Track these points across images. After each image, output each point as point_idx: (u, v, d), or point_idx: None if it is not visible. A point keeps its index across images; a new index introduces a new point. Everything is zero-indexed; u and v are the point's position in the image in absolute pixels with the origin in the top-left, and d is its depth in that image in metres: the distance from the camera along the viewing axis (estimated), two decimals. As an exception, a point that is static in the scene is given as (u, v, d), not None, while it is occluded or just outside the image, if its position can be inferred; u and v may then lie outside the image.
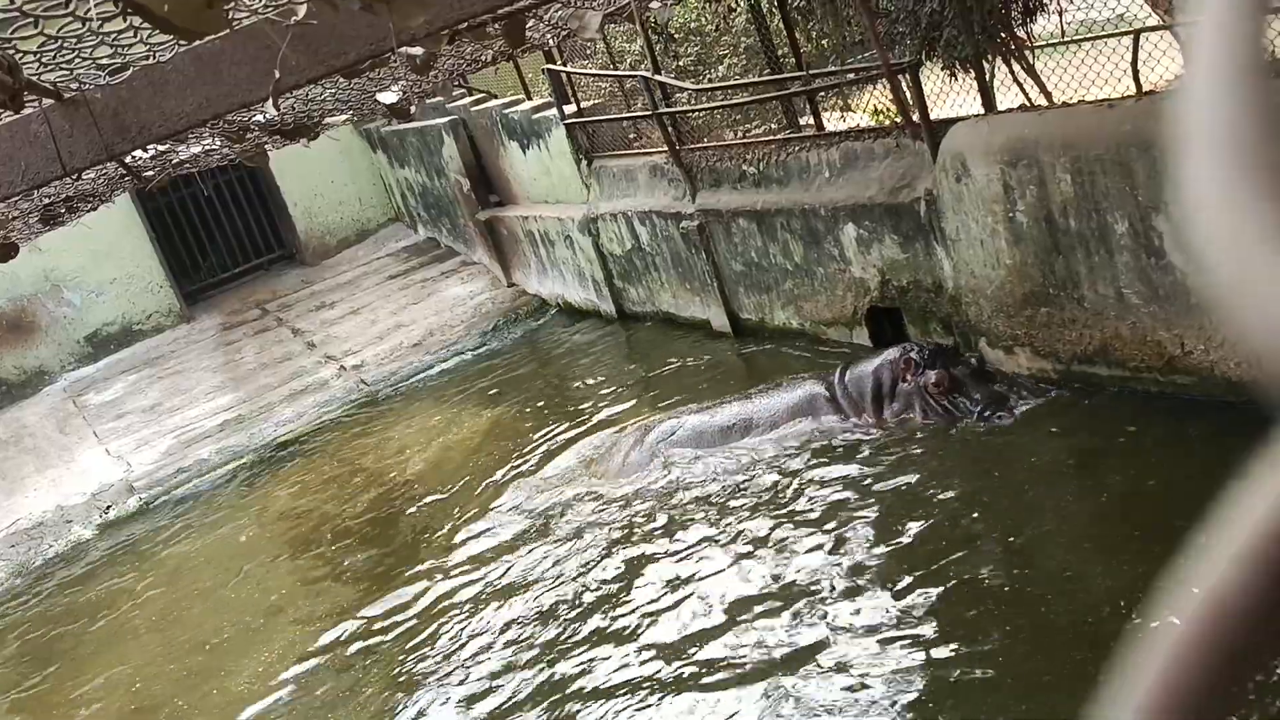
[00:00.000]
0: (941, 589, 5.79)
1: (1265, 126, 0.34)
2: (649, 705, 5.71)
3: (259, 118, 6.49)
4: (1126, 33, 8.91)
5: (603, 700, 5.90)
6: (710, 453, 8.14)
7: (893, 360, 7.69)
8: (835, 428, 7.81)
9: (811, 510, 7.03)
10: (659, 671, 5.96)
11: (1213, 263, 0.34)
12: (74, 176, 5.16)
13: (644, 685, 5.89)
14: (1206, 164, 0.34)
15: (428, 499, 9.65)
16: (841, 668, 5.42)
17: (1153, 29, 8.96)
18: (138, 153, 5.82)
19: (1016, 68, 9.14)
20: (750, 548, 6.85)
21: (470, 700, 6.37)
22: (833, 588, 6.12)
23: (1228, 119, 0.34)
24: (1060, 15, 10.35)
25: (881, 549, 6.35)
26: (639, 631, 6.40)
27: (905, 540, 6.37)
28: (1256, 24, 0.36)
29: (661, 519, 7.62)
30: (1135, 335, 6.72)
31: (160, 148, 6.42)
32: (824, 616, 5.89)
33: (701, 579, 6.72)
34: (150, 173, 7.59)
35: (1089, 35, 9.64)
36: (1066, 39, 10.35)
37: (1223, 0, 0.36)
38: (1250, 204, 0.33)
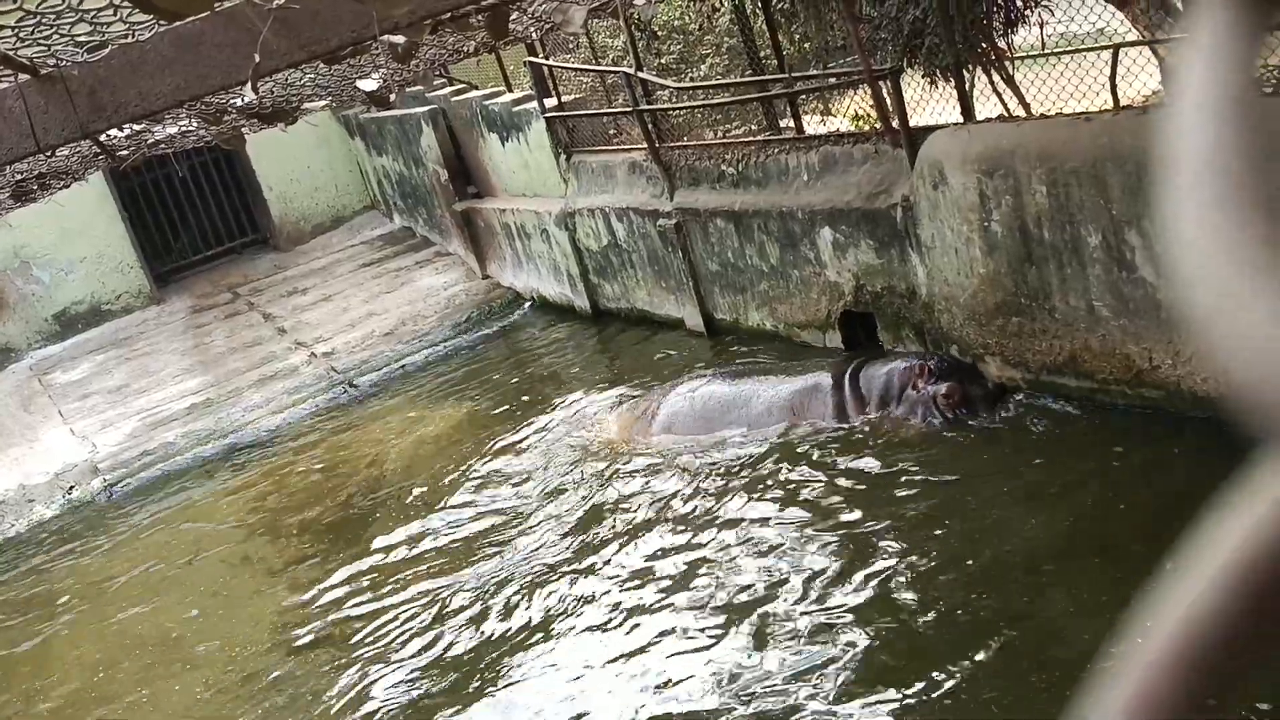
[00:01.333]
0: (900, 607, 5.81)
1: (1250, 155, 0.35)
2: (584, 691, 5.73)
3: (237, 101, 6.45)
4: (1105, 47, 8.98)
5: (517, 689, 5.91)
6: (707, 425, 8.36)
7: (907, 366, 7.67)
8: (827, 423, 7.87)
9: (770, 516, 7.06)
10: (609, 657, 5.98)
11: (1193, 290, 0.35)
12: (48, 153, 5.11)
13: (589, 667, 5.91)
14: (1191, 191, 0.35)
15: (395, 489, 9.62)
16: (788, 685, 5.38)
17: (1131, 44, 9.04)
18: (113, 131, 5.77)
19: (996, 78, 9.20)
20: (712, 552, 6.87)
21: (430, 683, 6.36)
22: (783, 602, 6.13)
23: (1213, 147, 0.35)
24: (1041, 28, 10.43)
25: (837, 561, 6.35)
26: (580, 619, 6.42)
27: (863, 550, 6.40)
28: (1247, 50, 0.36)
29: (636, 503, 7.65)
30: (1104, 348, 6.78)
31: (136, 127, 6.37)
32: (764, 628, 5.91)
33: (640, 586, 6.74)
34: (125, 152, 7.52)
35: (1068, 49, 9.71)
36: (1046, 51, 10.42)
37: (1214, 25, 0.37)
38: (1233, 233, 0.34)
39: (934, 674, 5.18)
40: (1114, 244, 6.42)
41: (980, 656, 5.21)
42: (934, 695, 5.07)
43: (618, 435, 8.94)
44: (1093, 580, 5.46)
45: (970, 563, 5.97)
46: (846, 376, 7.95)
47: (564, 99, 12.36)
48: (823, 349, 9.21)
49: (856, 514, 6.76)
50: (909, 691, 5.12)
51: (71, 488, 12.19)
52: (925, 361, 7.57)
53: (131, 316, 16.81)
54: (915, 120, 8.06)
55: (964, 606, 5.61)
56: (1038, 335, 7.19)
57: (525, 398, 10.94)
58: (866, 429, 7.66)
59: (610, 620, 6.46)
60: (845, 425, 7.77)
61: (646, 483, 8.04)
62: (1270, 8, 0.39)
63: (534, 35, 11.75)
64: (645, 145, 10.73)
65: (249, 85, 4.07)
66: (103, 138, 6.01)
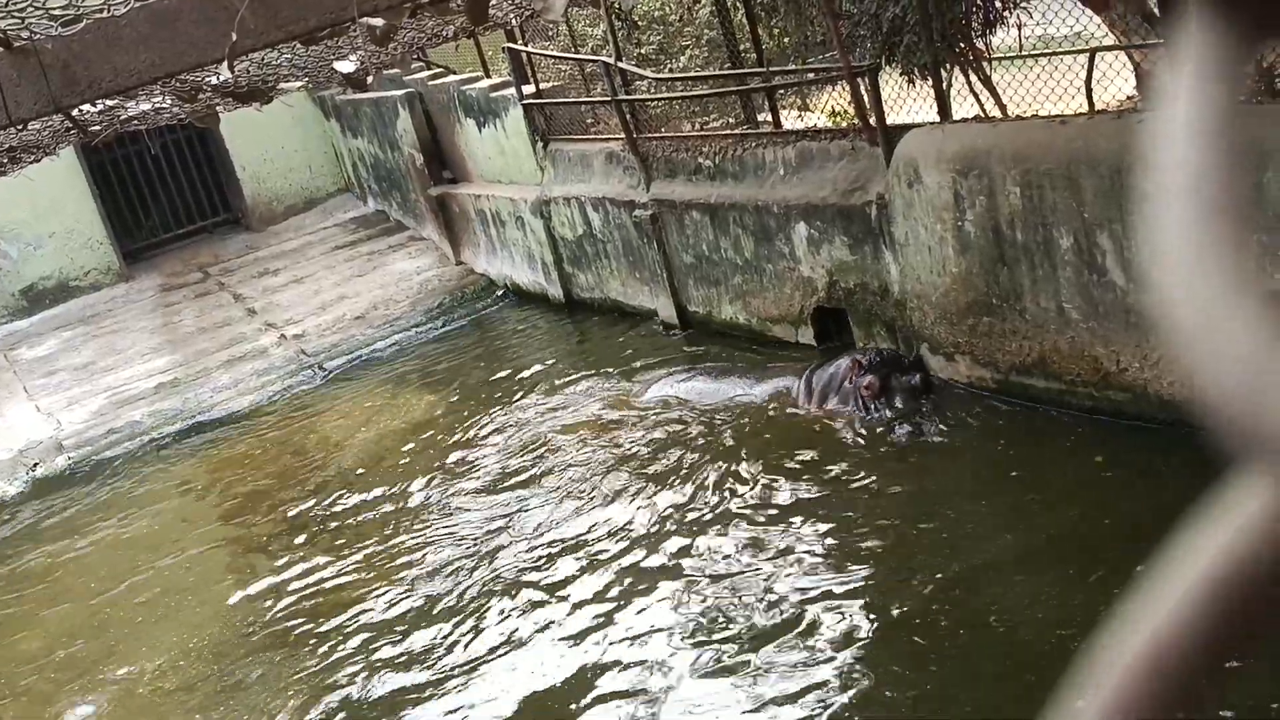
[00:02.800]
0: (862, 615, 5.83)
1: (1232, 176, 0.35)
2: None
3: (212, 79, 6.39)
4: (1082, 51, 9.03)
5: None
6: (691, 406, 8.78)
7: (852, 359, 8.04)
8: (779, 407, 8.28)
9: (747, 512, 7.09)
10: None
11: (1173, 308, 0.35)
12: (19, 127, 5.05)
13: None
14: (1173, 210, 0.35)
15: (363, 474, 9.58)
16: (752, 696, 5.36)
17: (1107, 49, 9.10)
18: (85, 106, 5.71)
19: (974, 78, 9.24)
20: (678, 553, 6.89)
21: (391, 673, 6.35)
22: (744, 604, 6.16)
23: (1197, 168, 0.35)
24: (1019, 29, 10.48)
25: (804, 573, 6.37)
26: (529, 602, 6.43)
27: (835, 561, 6.44)
28: (1232, 70, 0.37)
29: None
30: (1073, 349, 6.83)
31: (109, 102, 6.30)
32: (725, 629, 5.94)
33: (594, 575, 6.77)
34: (97, 127, 7.44)
35: (1045, 51, 9.76)
36: (1024, 53, 10.47)
37: (1199, 45, 0.37)
38: (1213, 253, 0.35)
39: (900, 681, 5.22)
40: (1085, 247, 6.47)
41: (948, 664, 5.24)
42: (898, 703, 5.11)
43: (598, 413, 9.21)
44: (1058, 587, 5.50)
45: (940, 575, 6.02)
46: (810, 373, 8.31)
47: (542, 86, 12.32)
48: (794, 344, 9.24)
49: (826, 525, 6.80)
50: (874, 700, 5.15)
51: (35, 465, 12.07)
52: (859, 356, 7.95)
53: (100, 293, 16.65)
54: (892, 118, 8.09)
55: (928, 613, 5.64)
56: (1008, 335, 7.24)
57: (495, 384, 10.92)
58: (806, 417, 8.01)
59: (573, 614, 6.48)
60: (795, 416, 8.15)
61: (610, 472, 8.09)
62: (1254, 29, 0.39)
63: (513, 21, 11.70)
64: (623, 135, 10.72)
65: (225, 64, 4.04)
66: (75, 112, 5.95)
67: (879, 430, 7.54)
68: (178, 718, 6.66)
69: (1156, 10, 6.82)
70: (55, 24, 3.93)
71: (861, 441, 7.53)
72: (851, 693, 5.14)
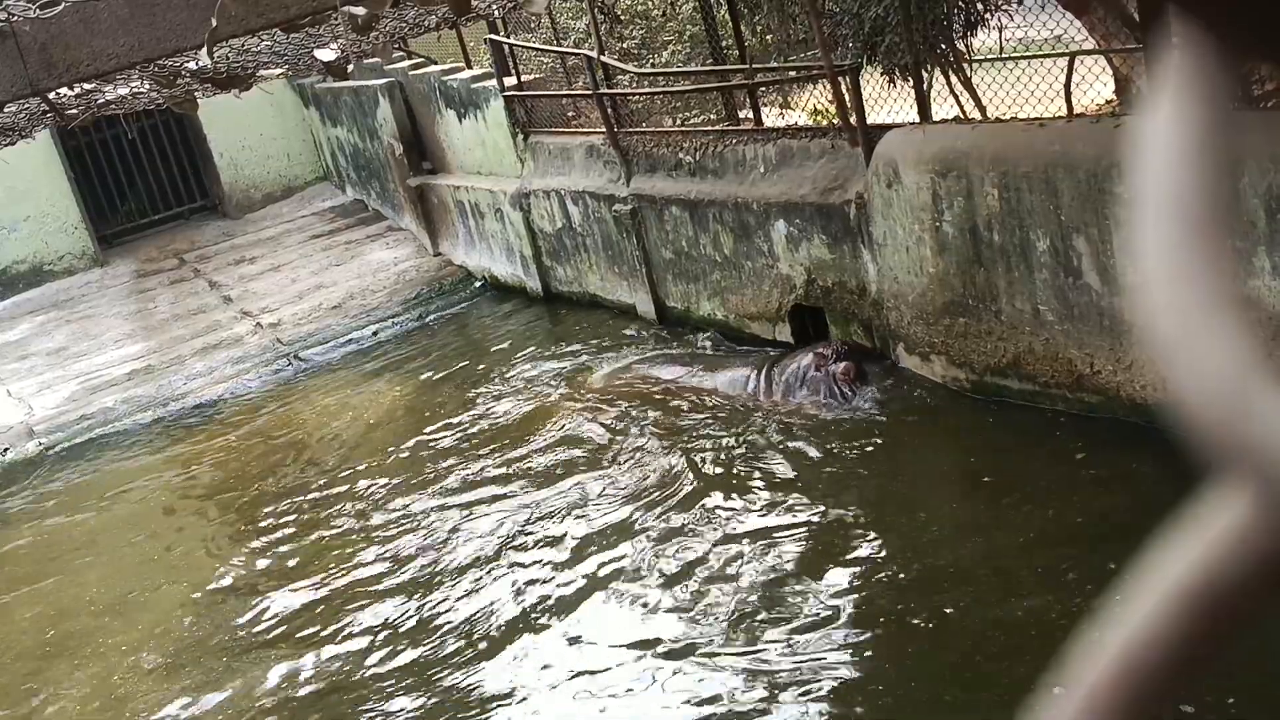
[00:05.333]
0: (841, 611, 5.85)
1: (1217, 190, 0.36)
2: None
3: (191, 64, 6.34)
4: (1062, 54, 9.07)
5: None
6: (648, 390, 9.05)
7: (813, 354, 8.20)
8: (739, 400, 8.45)
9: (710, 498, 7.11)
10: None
11: (1150, 315, 0.36)
12: (-6, 109, 5.00)
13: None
14: (1156, 223, 0.36)
15: (336, 464, 9.55)
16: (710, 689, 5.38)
17: (1087, 53, 9.14)
18: (62, 90, 5.66)
19: (954, 79, 9.28)
20: (645, 536, 6.90)
21: (363, 661, 6.34)
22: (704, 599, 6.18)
23: (1181, 183, 0.36)
24: (1000, 32, 10.52)
25: (762, 569, 6.41)
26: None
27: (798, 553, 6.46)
28: (1218, 85, 0.37)
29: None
30: (1047, 351, 6.88)
31: (86, 86, 6.25)
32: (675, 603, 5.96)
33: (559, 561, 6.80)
34: (74, 111, 7.38)
35: (1026, 54, 9.80)
36: (1004, 55, 10.51)
37: (1186, 60, 0.38)
38: (1193, 261, 0.35)
39: (865, 679, 5.23)
40: (1061, 249, 6.51)
41: (913, 663, 5.25)
42: (866, 700, 5.13)
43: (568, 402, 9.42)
44: (1027, 588, 5.53)
45: (902, 566, 6.04)
46: (770, 367, 8.54)
47: (524, 79, 12.29)
48: (772, 341, 9.27)
49: (801, 515, 6.82)
50: (842, 697, 5.17)
51: (5, 449, 11.97)
52: (821, 348, 8.20)
53: (74, 278, 16.52)
54: (873, 118, 8.12)
55: (893, 613, 5.66)
56: (983, 336, 7.28)
57: (470, 375, 10.91)
58: (771, 410, 8.15)
59: (547, 602, 6.48)
60: (746, 405, 8.35)
61: (571, 459, 8.21)
62: (1234, 39, 0.40)
63: (496, 13, 11.67)
64: (604, 129, 10.71)
65: (204, 49, 4.01)
66: (52, 96, 5.90)
67: (848, 423, 7.63)
68: (151, 704, 6.62)
69: (1136, 15, 6.86)
70: (33, 6, 3.89)
71: (831, 433, 7.59)
72: (810, 688, 5.15)
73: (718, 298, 9.94)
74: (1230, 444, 0.34)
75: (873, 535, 6.31)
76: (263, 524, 8.73)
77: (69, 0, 3.92)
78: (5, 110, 6.13)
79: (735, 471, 7.44)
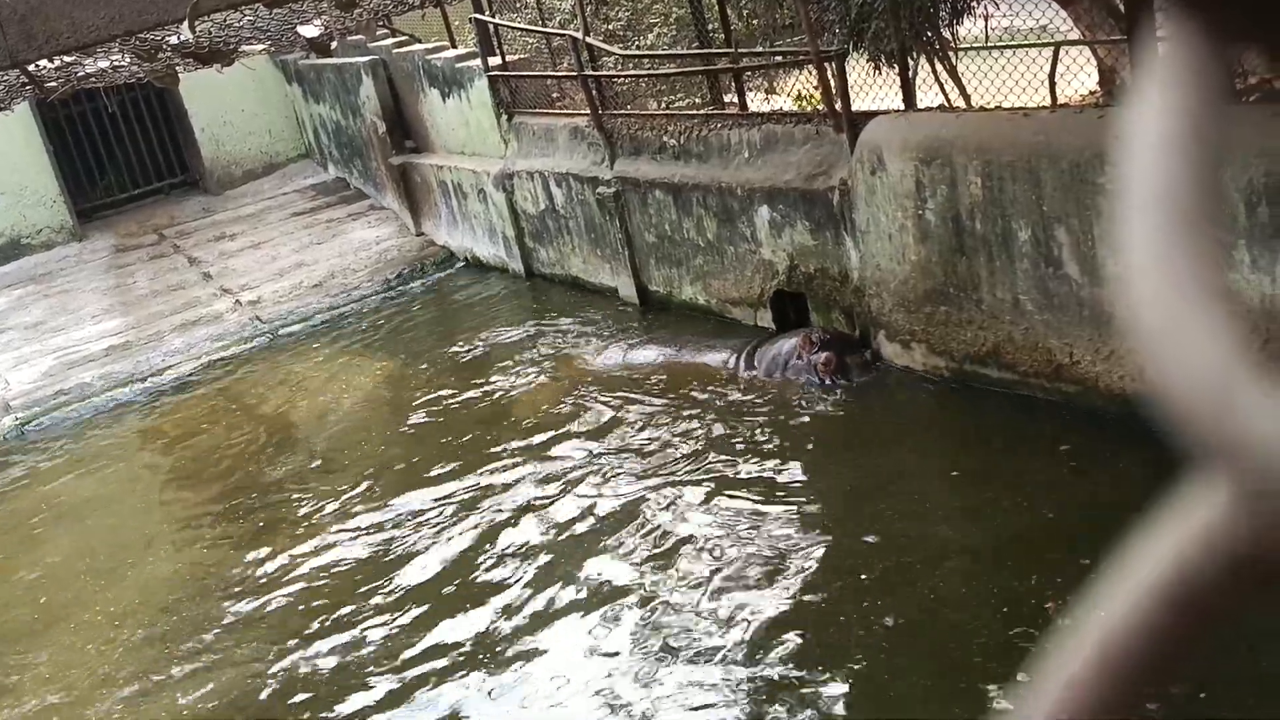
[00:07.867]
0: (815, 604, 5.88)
1: (1205, 185, 0.36)
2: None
3: (173, 38, 6.29)
4: (1047, 44, 9.09)
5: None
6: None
7: (795, 340, 8.25)
8: (720, 379, 8.55)
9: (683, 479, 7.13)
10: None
11: (1134, 306, 0.36)
12: (-28, 79, 4.95)
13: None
14: (1145, 216, 0.36)
15: (314, 443, 9.53)
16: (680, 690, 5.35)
17: (1072, 43, 9.16)
18: (42, 61, 5.60)
19: (940, 67, 9.29)
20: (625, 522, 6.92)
21: (345, 651, 6.34)
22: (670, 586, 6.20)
23: (1170, 176, 0.36)
24: (986, 20, 10.53)
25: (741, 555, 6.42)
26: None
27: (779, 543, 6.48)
28: (1209, 78, 0.37)
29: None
30: (1027, 341, 6.91)
31: (66, 59, 6.18)
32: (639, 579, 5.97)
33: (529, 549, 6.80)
34: (53, 83, 7.31)
35: (1011, 43, 9.82)
36: (990, 44, 10.52)
37: (1171, 45, 0.38)
38: (1183, 260, 0.35)
39: (841, 673, 5.23)
40: (1043, 239, 6.53)
41: (896, 655, 5.26)
42: (843, 694, 5.13)
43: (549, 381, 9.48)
44: (1006, 580, 5.55)
45: (879, 556, 6.07)
46: (750, 350, 8.64)
47: (508, 59, 12.23)
48: (754, 327, 9.28)
49: (779, 507, 6.84)
50: (816, 690, 5.16)
51: (-19, 424, 11.88)
52: (810, 333, 8.23)
53: (52, 252, 16.39)
54: (858, 105, 8.11)
55: (871, 605, 5.67)
56: (964, 325, 7.31)
57: (450, 355, 10.88)
58: (748, 389, 8.27)
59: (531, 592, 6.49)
60: (726, 383, 8.46)
61: (558, 438, 8.20)
62: (1219, 30, 0.40)
63: (482, -8, 11.59)
64: (588, 111, 10.67)
65: (186, 23, 3.97)
66: (32, 68, 5.84)
67: (826, 411, 7.69)
68: (124, 676, 6.59)
69: (1121, 7, 6.87)
70: (13, -24, 3.85)
71: (809, 421, 7.64)
72: (786, 682, 5.17)
73: (700, 282, 9.94)
74: (1212, 435, 0.34)
75: (850, 525, 6.33)
76: (238, 500, 8.70)
77: (49, -29, 3.87)
78: (-17, 81, 6.07)
79: (710, 461, 7.42)
